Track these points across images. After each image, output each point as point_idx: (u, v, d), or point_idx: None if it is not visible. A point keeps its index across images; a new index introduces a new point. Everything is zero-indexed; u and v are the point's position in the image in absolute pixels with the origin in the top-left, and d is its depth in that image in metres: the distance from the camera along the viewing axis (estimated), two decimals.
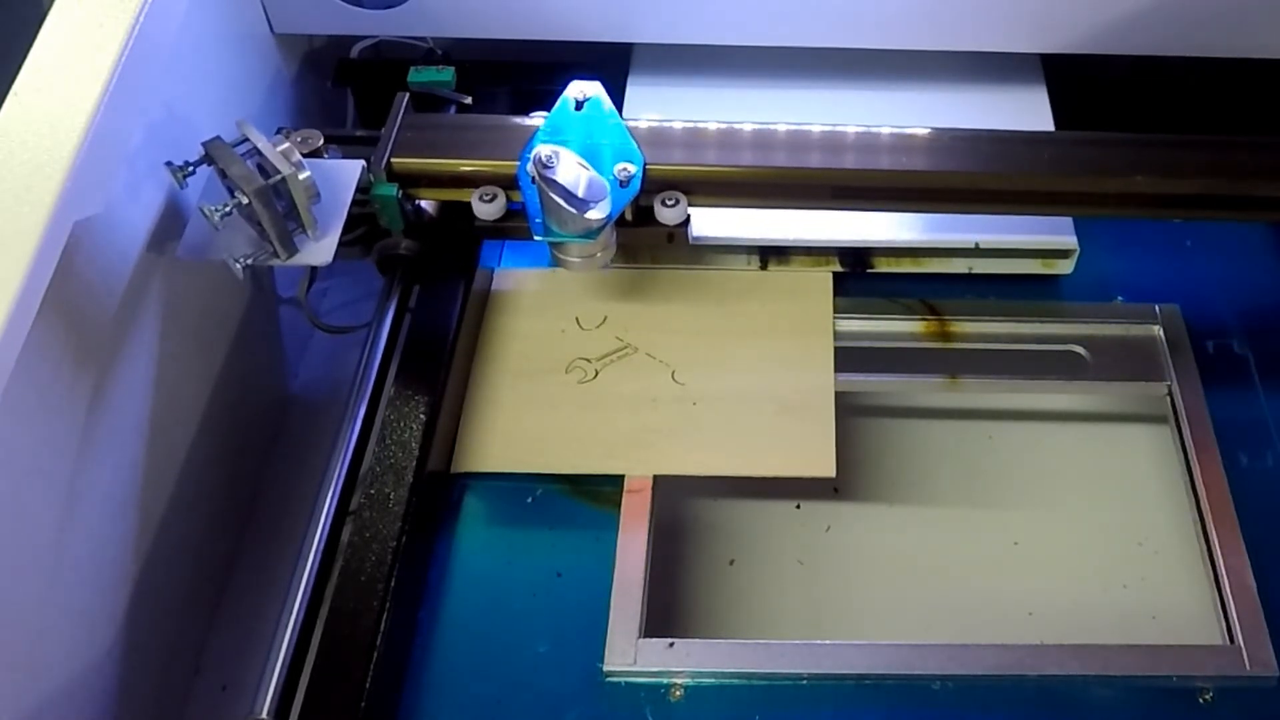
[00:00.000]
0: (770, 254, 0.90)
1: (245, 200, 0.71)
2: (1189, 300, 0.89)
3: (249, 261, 0.73)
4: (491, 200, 0.80)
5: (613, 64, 0.99)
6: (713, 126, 0.82)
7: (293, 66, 0.97)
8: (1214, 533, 0.77)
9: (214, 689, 0.82)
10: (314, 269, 0.91)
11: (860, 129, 0.81)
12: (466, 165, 0.81)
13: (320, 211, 0.75)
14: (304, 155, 0.76)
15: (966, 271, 0.90)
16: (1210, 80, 1.01)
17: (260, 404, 0.93)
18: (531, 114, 0.83)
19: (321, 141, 0.80)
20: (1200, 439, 0.81)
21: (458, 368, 0.83)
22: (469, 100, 0.92)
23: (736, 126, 0.82)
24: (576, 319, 0.88)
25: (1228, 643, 0.73)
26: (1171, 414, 0.84)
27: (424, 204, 0.84)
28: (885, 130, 0.81)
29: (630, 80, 0.98)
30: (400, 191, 0.80)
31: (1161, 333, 0.87)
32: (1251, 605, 0.73)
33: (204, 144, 0.73)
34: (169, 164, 0.72)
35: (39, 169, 0.64)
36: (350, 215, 0.77)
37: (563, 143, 0.77)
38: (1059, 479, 0.85)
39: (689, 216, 0.80)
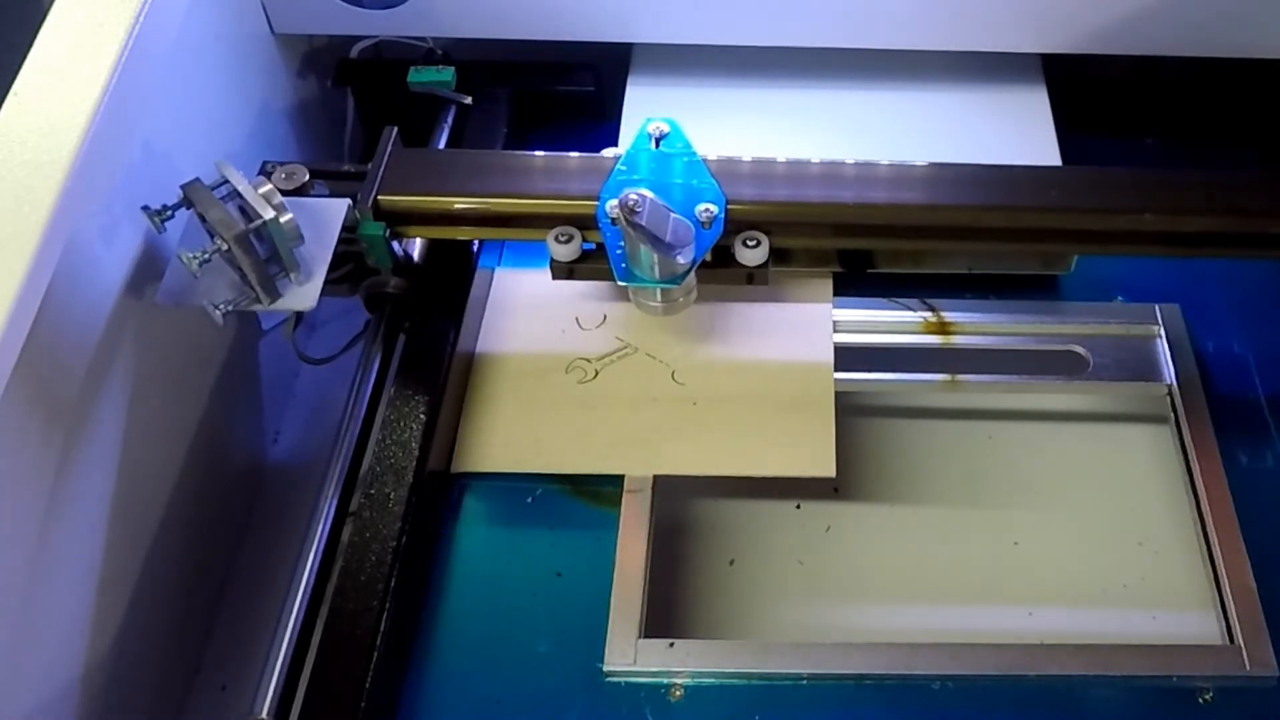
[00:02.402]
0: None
1: (225, 246, 0.68)
2: (1189, 300, 0.89)
3: (230, 308, 0.70)
4: (568, 241, 0.76)
5: (613, 64, 0.99)
6: (781, 161, 0.79)
7: (293, 66, 0.97)
8: (1214, 533, 0.77)
9: (214, 689, 0.82)
10: None
11: (927, 166, 0.79)
12: (459, 202, 0.78)
13: (304, 254, 0.72)
14: (288, 192, 0.73)
15: (966, 271, 0.90)
16: (1210, 80, 1.01)
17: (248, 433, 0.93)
18: (603, 151, 0.80)
19: (307, 178, 0.77)
20: (1200, 439, 0.81)
21: (458, 367, 0.83)
22: (469, 100, 0.92)
23: (805, 161, 0.79)
24: (576, 319, 0.88)
25: (1228, 643, 0.73)
26: (1171, 414, 0.84)
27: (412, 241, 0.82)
28: (919, 167, 0.79)
29: (630, 80, 0.98)
30: (388, 230, 0.77)
31: (1161, 333, 0.87)
32: (1251, 605, 0.73)
33: (182, 187, 0.70)
34: (146, 208, 0.70)
35: (39, 169, 0.64)
36: (336, 254, 0.74)
37: (639, 181, 0.75)
38: (1059, 479, 0.85)
39: (770, 258, 0.77)
